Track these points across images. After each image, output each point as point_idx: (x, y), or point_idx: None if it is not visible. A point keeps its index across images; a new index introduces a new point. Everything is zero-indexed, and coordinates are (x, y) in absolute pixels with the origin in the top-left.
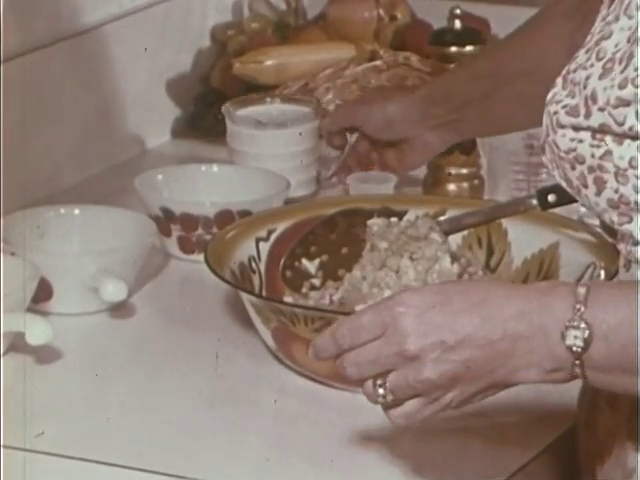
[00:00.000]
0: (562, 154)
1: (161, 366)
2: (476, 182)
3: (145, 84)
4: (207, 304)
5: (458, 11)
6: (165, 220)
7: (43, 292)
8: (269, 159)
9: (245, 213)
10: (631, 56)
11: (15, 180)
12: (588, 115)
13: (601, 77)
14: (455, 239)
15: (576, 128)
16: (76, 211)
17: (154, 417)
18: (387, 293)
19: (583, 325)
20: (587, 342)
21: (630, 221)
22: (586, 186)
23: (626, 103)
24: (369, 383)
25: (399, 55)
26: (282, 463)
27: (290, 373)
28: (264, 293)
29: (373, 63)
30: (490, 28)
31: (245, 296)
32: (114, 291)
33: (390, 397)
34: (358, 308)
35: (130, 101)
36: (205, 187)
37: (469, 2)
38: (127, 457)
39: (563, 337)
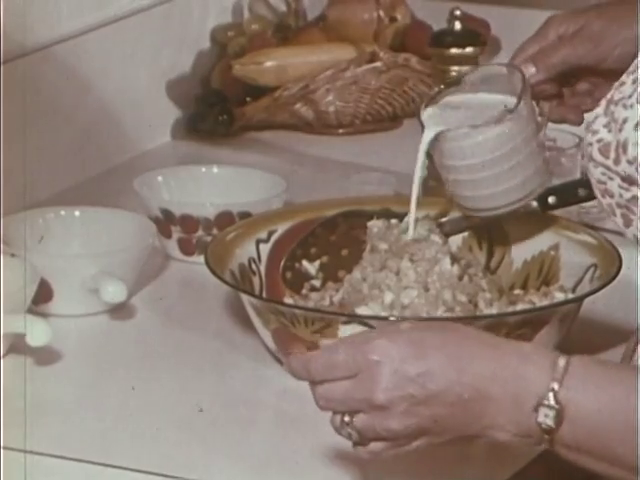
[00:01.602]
0: (594, 181)
1: (161, 367)
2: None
3: (145, 85)
4: (207, 305)
5: (458, 12)
6: (165, 221)
7: (43, 293)
8: (489, 166)
9: (245, 214)
10: None
11: (15, 181)
12: (617, 162)
13: (636, 127)
14: (455, 240)
15: (606, 168)
16: (76, 212)
17: (154, 418)
18: (387, 294)
19: (556, 405)
20: (558, 422)
21: None
22: (615, 215)
23: None
24: (337, 418)
25: (399, 56)
26: (282, 464)
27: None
28: (264, 294)
29: (373, 64)
30: (490, 29)
31: (245, 297)
32: (114, 292)
33: (356, 435)
34: (359, 310)
35: (130, 102)
36: (205, 188)
37: (469, 3)
38: (127, 458)
39: (535, 411)
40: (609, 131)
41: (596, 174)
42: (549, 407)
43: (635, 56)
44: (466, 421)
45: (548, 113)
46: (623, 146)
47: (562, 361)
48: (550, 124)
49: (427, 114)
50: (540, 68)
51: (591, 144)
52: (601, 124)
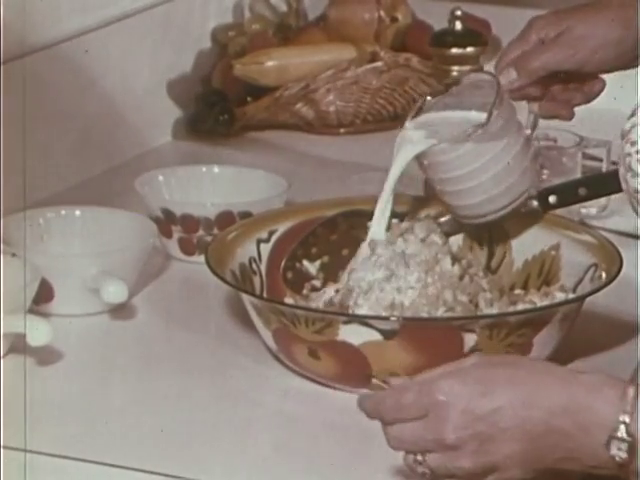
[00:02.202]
0: (631, 191)
1: (162, 367)
2: None
3: (146, 85)
4: (208, 305)
5: (459, 12)
6: (166, 221)
7: (44, 293)
8: (470, 178)
9: (246, 214)
10: None
11: (15, 181)
12: None
13: None
14: (456, 240)
15: None
16: (77, 212)
17: (154, 418)
18: (388, 294)
19: (628, 438)
20: (631, 454)
21: None
22: None
23: None
24: (410, 457)
25: (400, 56)
26: (282, 464)
27: (291, 374)
28: (265, 294)
29: (374, 64)
30: (491, 29)
31: (246, 297)
32: (115, 292)
33: (429, 474)
34: (359, 310)
35: (131, 102)
36: (206, 188)
37: (470, 3)
38: (127, 458)
39: (607, 444)
40: None
41: (634, 184)
42: (621, 440)
43: (614, 60)
44: (538, 455)
45: (539, 110)
46: None
47: (631, 392)
48: (551, 123)
49: (400, 137)
50: (521, 73)
51: (630, 154)
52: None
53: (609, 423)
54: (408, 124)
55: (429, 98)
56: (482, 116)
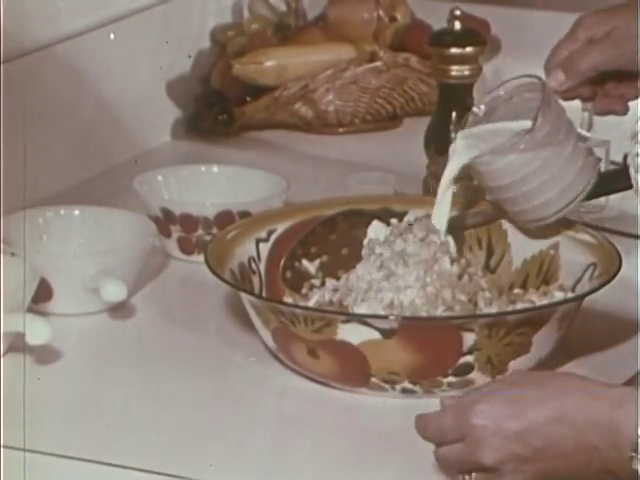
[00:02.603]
0: None
1: (161, 367)
2: (476, 183)
3: (145, 85)
4: (207, 305)
5: (458, 12)
6: (165, 221)
7: (43, 292)
8: (520, 185)
9: (245, 214)
10: None
11: (15, 180)
12: None
13: None
14: (455, 240)
15: None
16: (76, 212)
17: (154, 417)
18: (387, 293)
19: None
20: None
21: None
22: None
23: None
24: (459, 477)
25: (399, 56)
26: (282, 463)
27: (290, 373)
28: (264, 294)
29: (373, 64)
30: (490, 29)
31: (245, 297)
32: (114, 292)
33: None
34: (358, 309)
35: (130, 102)
36: (205, 188)
37: (469, 3)
38: (127, 457)
39: (631, 458)
40: None
41: None
42: None
43: None
44: (575, 471)
45: (593, 107)
46: None
47: None
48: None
49: (452, 148)
50: (569, 75)
51: (638, 155)
52: None
53: (630, 438)
54: (458, 134)
55: (482, 107)
56: (529, 124)
